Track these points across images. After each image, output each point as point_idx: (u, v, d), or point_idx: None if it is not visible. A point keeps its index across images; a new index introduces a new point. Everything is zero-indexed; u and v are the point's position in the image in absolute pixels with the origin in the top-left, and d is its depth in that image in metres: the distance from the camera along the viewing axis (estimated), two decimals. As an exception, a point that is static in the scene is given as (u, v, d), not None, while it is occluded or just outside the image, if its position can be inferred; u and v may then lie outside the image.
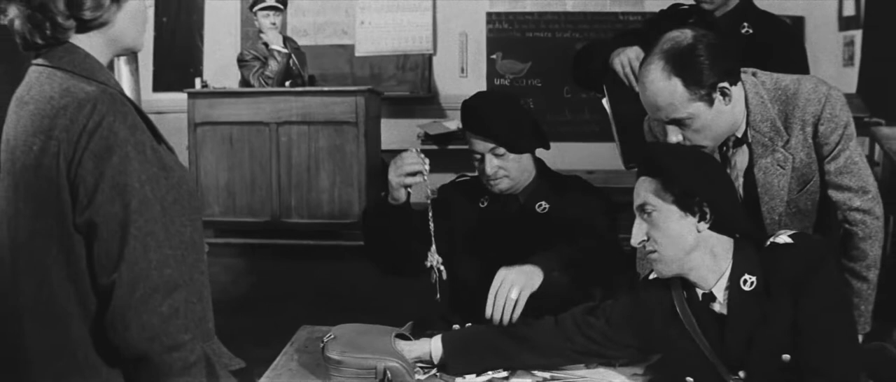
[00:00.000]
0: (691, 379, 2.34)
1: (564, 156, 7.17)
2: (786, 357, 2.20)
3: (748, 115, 2.59)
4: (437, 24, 7.53)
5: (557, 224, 2.95)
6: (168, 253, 1.86)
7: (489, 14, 7.47)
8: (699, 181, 2.22)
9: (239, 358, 2.14)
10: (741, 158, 2.62)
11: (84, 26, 1.91)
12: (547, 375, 2.55)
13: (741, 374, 2.26)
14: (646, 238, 2.26)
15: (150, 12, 6.96)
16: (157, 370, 1.83)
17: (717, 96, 2.47)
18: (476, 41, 7.53)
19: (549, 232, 2.93)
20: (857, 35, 6.76)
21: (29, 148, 1.85)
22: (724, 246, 2.26)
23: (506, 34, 7.47)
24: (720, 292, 2.27)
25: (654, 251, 2.26)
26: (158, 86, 7.42)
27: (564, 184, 3.08)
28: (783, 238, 2.25)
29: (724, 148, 2.63)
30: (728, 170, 2.64)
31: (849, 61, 6.94)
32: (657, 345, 2.44)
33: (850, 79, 6.69)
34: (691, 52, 2.44)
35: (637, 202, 2.27)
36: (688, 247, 2.23)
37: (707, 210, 2.21)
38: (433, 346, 2.58)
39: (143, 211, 1.82)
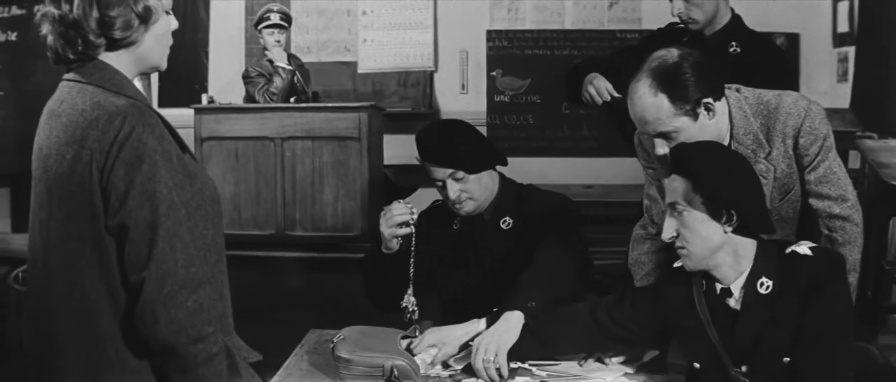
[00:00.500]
0: (698, 365, 2.46)
1: (563, 170, 7.27)
2: (786, 359, 2.30)
3: (732, 129, 2.69)
4: (438, 41, 7.55)
5: (522, 237, 3.09)
6: (193, 253, 1.97)
7: (489, 32, 7.51)
8: (728, 187, 2.31)
9: (256, 352, 2.26)
10: None
11: (113, 45, 2.02)
12: (544, 375, 2.67)
13: (743, 368, 2.36)
14: (675, 234, 2.37)
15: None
16: (184, 360, 1.95)
17: (701, 111, 2.57)
18: (476, 58, 7.54)
19: (515, 246, 3.08)
20: (851, 51, 6.71)
21: (62, 157, 1.96)
22: (747, 247, 2.36)
23: (505, 52, 7.51)
24: (737, 289, 2.37)
25: (683, 247, 2.36)
26: (163, 101, 7.44)
27: (524, 195, 3.20)
28: (804, 249, 2.35)
29: None
30: None
31: (843, 77, 6.89)
32: (673, 330, 2.54)
33: (844, 95, 6.68)
34: (677, 70, 2.55)
35: (668, 199, 2.38)
36: (714, 247, 2.33)
37: (733, 214, 2.31)
38: (480, 326, 2.71)
39: (170, 215, 1.94)
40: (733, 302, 2.38)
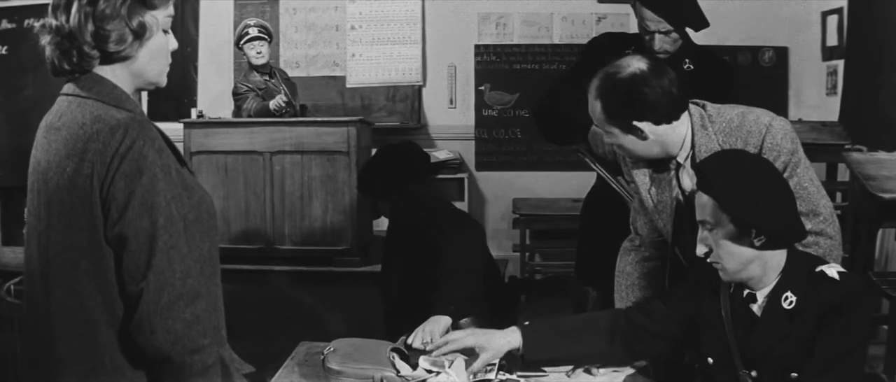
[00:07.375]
0: (711, 360, 2.50)
1: (551, 184, 7.30)
2: (794, 374, 2.34)
3: (693, 147, 2.73)
4: (427, 56, 7.58)
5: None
6: (190, 264, 2.00)
7: (477, 46, 7.54)
8: (751, 207, 2.32)
9: (248, 364, 2.29)
10: (688, 181, 2.75)
11: (108, 58, 2.05)
12: (530, 387, 2.71)
13: (753, 373, 2.40)
14: (708, 250, 2.40)
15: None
16: (179, 370, 1.97)
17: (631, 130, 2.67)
18: (465, 73, 7.57)
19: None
20: (840, 65, 6.71)
21: (62, 169, 1.99)
22: (777, 259, 2.39)
23: (494, 66, 7.54)
24: (762, 297, 2.41)
25: (718, 262, 2.40)
26: (153, 116, 7.38)
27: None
28: (833, 271, 2.36)
29: (671, 170, 2.79)
30: (669, 191, 2.80)
31: (832, 90, 6.89)
32: (698, 324, 2.57)
33: (833, 108, 6.68)
34: (617, 86, 2.64)
35: (698, 217, 2.41)
36: (746, 261, 2.37)
37: (761, 232, 2.33)
38: (512, 337, 2.71)
39: (169, 227, 1.97)
40: (756, 308, 2.42)
